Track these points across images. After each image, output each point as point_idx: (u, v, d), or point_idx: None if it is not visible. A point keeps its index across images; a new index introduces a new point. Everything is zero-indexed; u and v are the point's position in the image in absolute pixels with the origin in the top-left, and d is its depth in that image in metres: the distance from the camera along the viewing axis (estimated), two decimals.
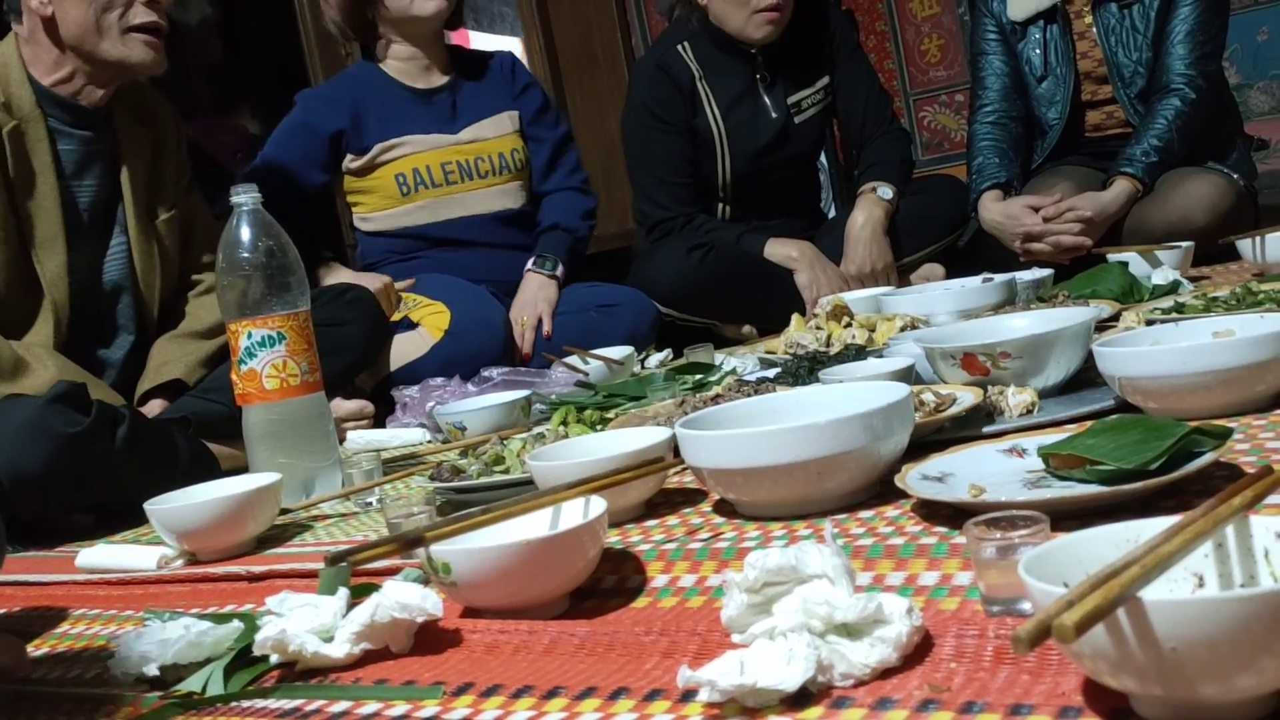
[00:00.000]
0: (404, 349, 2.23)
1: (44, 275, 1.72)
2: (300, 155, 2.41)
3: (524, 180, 2.52)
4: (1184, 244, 2.01)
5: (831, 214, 3.49)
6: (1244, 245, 1.92)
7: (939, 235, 2.62)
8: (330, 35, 3.81)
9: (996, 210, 2.44)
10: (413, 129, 2.42)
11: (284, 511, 1.35)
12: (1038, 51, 2.55)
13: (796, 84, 2.68)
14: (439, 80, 2.48)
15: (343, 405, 1.99)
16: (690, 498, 1.11)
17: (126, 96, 1.86)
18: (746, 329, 2.54)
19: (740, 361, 1.72)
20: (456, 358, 2.15)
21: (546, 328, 2.33)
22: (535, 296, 2.37)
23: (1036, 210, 2.34)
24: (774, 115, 2.65)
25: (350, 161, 2.43)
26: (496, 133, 2.47)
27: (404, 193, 2.41)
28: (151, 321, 1.86)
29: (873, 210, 2.55)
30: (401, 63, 2.45)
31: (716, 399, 1.32)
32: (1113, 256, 1.98)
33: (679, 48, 2.64)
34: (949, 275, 2.46)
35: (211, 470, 1.58)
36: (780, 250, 2.52)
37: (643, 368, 1.99)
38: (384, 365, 2.23)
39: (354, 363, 2.02)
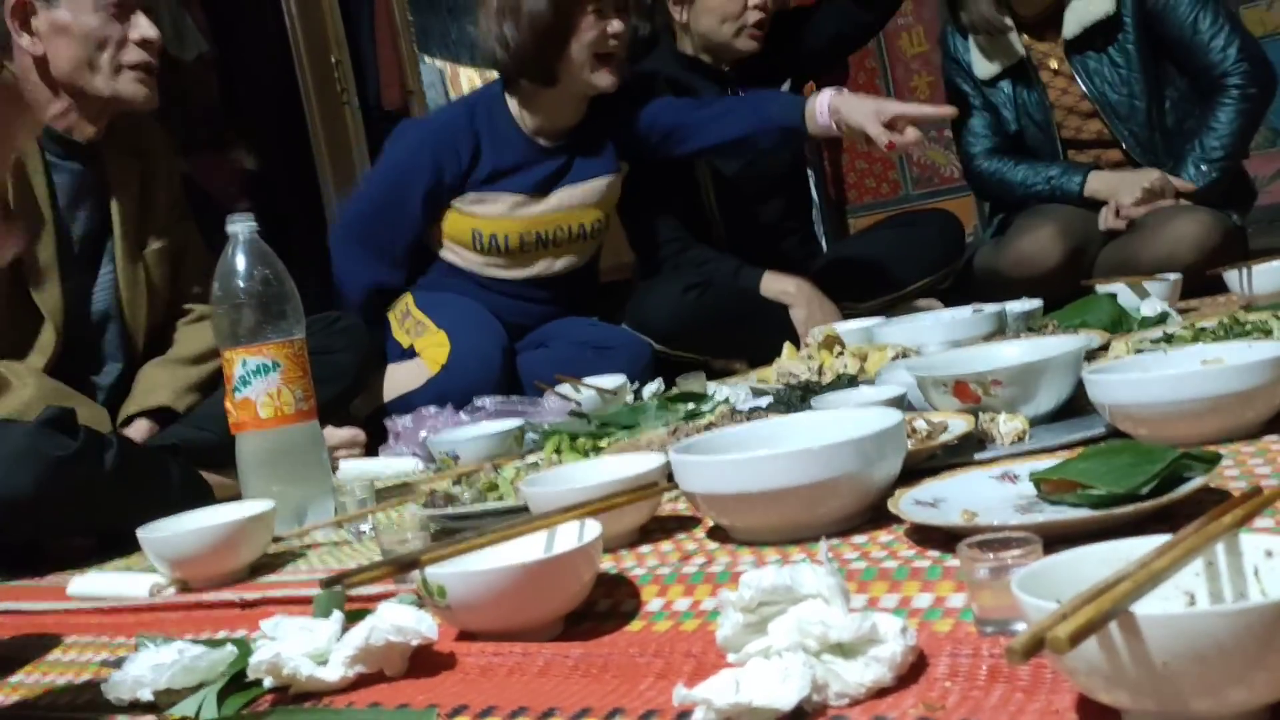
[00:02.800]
0: (400, 379, 2.23)
1: (42, 305, 1.74)
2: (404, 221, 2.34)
3: (593, 245, 2.49)
4: (1172, 275, 2.03)
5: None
6: (1230, 277, 1.93)
7: (931, 268, 2.62)
8: (326, 74, 3.84)
9: (1117, 175, 2.45)
10: (508, 187, 2.33)
11: (277, 539, 1.35)
12: (1009, 106, 2.59)
13: None
14: (563, 131, 2.36)
15: (335, 434, 1.99)
16: (684, 523, 1.11)
17: (119, 129, 1.88)
18: (738, 366, 2.54)
19: (733, 391, 1.72)
20: (451, 391, 2.14)
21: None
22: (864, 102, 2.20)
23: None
24: None
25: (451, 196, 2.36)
26: (585, 201, 2.39)
27: (477, 248, 2.36)
28: (138, 351, 1.88)
29: None
30: (537, 111, 2.33)
31: (709, 428, 1.32)
32: (1101, 288, 1.99)
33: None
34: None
35: (205, 496, 1.58)
36: (776, 285, 2.52)
37: (636, 398, 2.00)
38: (379, 394, 2.23)
39: (345, 390, 2.01)
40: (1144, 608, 0.52)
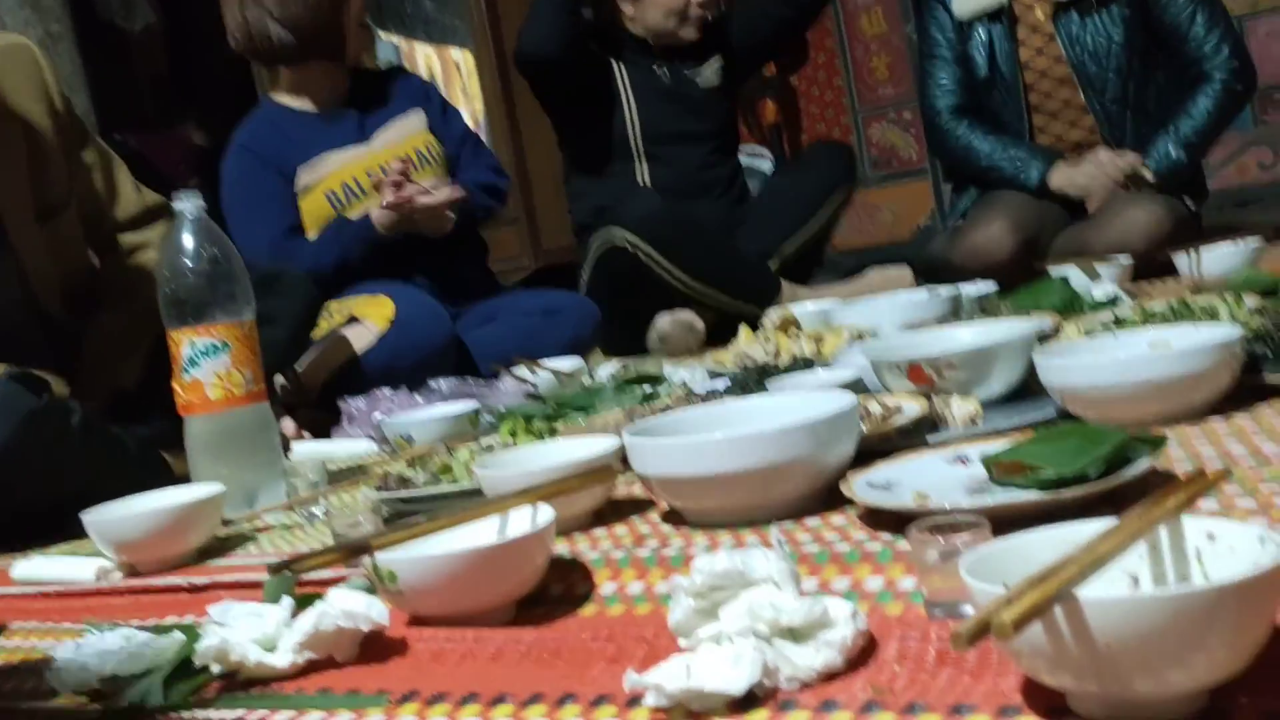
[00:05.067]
0: (350, 340, 2.21)
1: None
2: (277, 197, 2.43)
3: (445, 172, 2.55)
4: (1123, 258, 2.05)
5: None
6: (1180, 259, 1.96)
7: (822, 197, 2.74)
8: None
9: (1082, 171, 2.46)
10: (327, 147, 2.45)
11: (227, 522, 1.33)
12: (981, 51, 2.55)
13: (690, 69, 2.88)
14: (340, 100, 2.52)
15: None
16: (639, 507, 1.11)
17: None
18: (698, 326, 2.53)
19: (689, 373, 1.72)
20: (406, 347, 2.14)
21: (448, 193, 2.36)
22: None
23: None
24: (668, 83, 2.85)
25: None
26: (408, 132, 2.52)
27: (338, 209, 2.43)
28: (59, 320, 1.72)
29: None
30: (302, 93, 2.50)
31: (665, 411, 1.32)
32: (1053, 270, 2.01)
33: None
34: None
35: (159, 470, 1.58)
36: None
37: (592, 379, 1.99)
38: (330, 361, 2.19)
39: (284, 340, 1.92)
40: (1087, 591, 0.52)
